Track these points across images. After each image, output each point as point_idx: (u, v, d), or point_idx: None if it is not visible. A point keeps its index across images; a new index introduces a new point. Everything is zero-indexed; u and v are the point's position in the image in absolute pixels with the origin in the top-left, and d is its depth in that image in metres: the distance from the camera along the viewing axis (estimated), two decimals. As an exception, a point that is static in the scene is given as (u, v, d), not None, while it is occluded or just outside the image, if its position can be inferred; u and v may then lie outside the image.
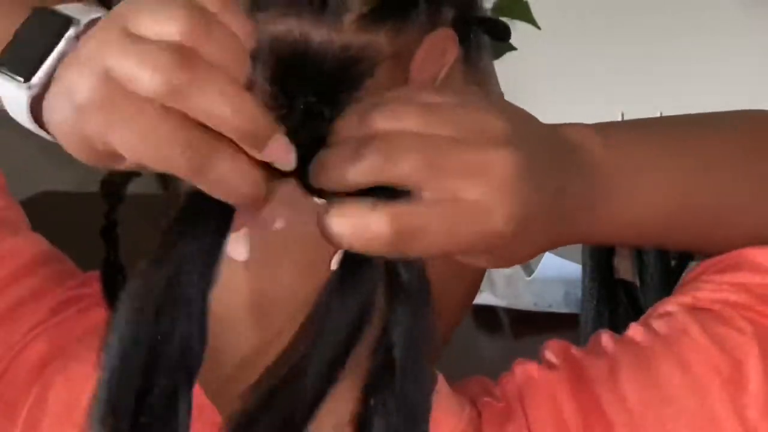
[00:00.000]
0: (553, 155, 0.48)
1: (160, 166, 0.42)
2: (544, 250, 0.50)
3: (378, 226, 0.43)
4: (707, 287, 0.55)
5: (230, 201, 0.44)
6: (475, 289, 0.61)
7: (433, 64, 0.52)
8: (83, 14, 0.49)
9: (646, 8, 1.77)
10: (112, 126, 0.42)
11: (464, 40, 0.54)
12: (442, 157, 0.43)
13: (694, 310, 0.54)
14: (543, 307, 1.23)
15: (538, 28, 1.23)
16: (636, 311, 0.96)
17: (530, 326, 1.21)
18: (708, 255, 0.57)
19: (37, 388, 0.55)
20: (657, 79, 1.76)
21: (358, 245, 0.43)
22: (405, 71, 0.51)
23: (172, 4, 0.42)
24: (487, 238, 0.44)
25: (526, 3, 1.23)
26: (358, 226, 0.43)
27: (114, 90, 0.42)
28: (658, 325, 0.54)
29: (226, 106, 0.41)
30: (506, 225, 0.44)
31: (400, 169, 0.43)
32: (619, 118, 1.01)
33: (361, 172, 0.44)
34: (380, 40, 0.50)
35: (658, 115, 0.99)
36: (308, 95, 0.48)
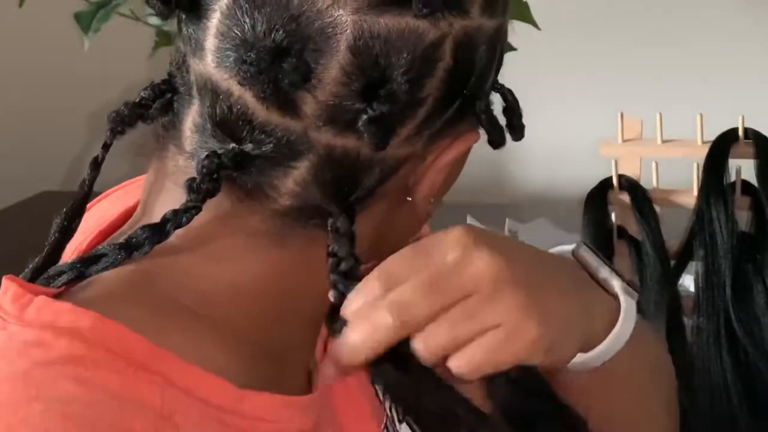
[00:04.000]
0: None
1: None
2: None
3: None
4: None
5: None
6: None
7: (454, 162, 0.56)
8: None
9: (646, 8, 1.77)
10: None
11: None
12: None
13: None
14: (543, 307, 1.22)
15: (538, 28, 1.23)
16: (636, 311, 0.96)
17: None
18: None
19: None
20: (657, 79, 1.76)
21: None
22: (424, 159, 0.55)
23: None
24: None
25: (526, 3, 1.23)
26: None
27: None
28: None
29: None
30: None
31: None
32: (619, 118, 1.01)
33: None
34: (417, 147, 0.54)
35: (657, 115, 0.99)
36: (337, 202, 0.53)
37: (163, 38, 1.27)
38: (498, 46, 0.55)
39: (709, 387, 0.93)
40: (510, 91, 0.58)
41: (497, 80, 0.57)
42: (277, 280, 0.54)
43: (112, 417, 0.46)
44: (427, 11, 0.50)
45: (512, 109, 0.58)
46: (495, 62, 0.56)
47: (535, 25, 1.23)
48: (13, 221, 1.74)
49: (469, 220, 1.39)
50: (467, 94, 0.54)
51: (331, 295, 0.53)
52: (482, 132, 0.56)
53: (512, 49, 1.21)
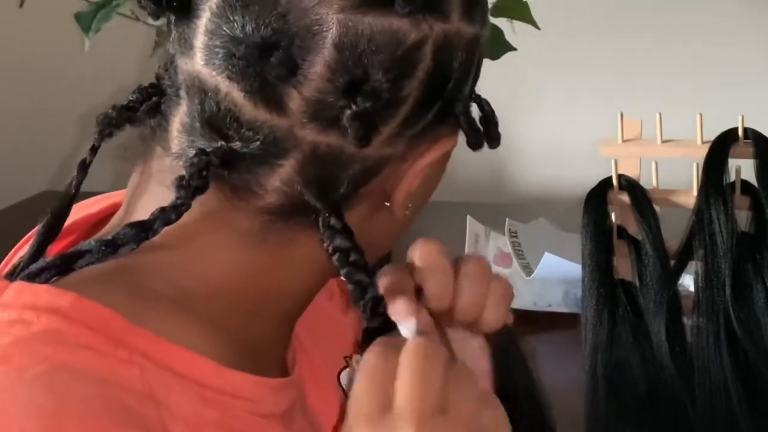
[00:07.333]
0: None
1: None
2: None
3: None
4: None
5: None
6: None
7: (431, 167, 0.57)
8: None
9: (646, 8, 1.77)
10: None
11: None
12: None
13: None
14: (542, 306, 1.23)
15: (538, 28, 1.23)
16: (635, 311, 0.96)
17: (530, 326, 1.21)
18: None
19: None
20: (657, 79, 1.76)
21: None
22: (404, 161, 0.56)
23: None
24: None
25: (526, 3, 1.23)
26: None
27: None
28: None
29: None
30: None
31: None
32: (619, 118, 1.01)
33: None
34: (398, 148, 0.55)
35: (657, 115, 0.99)
36: (323, 200, 0.54)
37: (165, 38, 1.26)
38: (476, 54, 0.57)
39: (709, 387, 0.93)
40: (486, 102, 0.60)
41: (475, 90, 0.58)
42: (255, 278, 0.56)
43: (100, 393, 0.47)
44: (409, 10, 0.51)
45: (489, 118, 0.59)
46: (473, 69, 0.57)
47: (535, 25, 1.23)
48: (13, 221, 1.73)
49: (469, 220, 1.39)
50: (446, 97, 0.55)
51: (350, 287, 0.54)
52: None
53: (512, 49, 1.21)
